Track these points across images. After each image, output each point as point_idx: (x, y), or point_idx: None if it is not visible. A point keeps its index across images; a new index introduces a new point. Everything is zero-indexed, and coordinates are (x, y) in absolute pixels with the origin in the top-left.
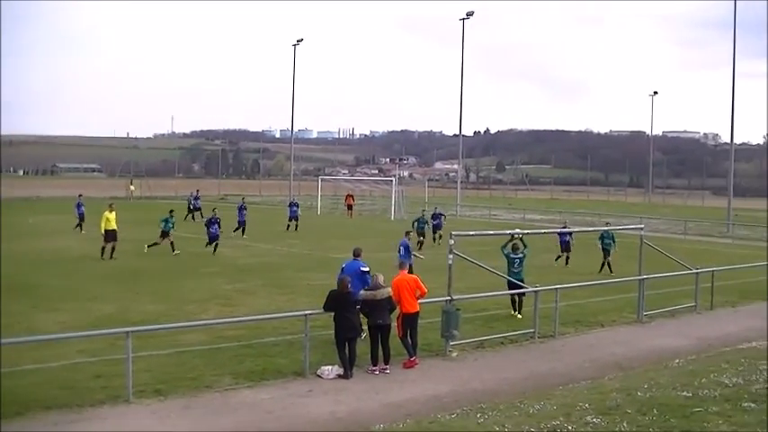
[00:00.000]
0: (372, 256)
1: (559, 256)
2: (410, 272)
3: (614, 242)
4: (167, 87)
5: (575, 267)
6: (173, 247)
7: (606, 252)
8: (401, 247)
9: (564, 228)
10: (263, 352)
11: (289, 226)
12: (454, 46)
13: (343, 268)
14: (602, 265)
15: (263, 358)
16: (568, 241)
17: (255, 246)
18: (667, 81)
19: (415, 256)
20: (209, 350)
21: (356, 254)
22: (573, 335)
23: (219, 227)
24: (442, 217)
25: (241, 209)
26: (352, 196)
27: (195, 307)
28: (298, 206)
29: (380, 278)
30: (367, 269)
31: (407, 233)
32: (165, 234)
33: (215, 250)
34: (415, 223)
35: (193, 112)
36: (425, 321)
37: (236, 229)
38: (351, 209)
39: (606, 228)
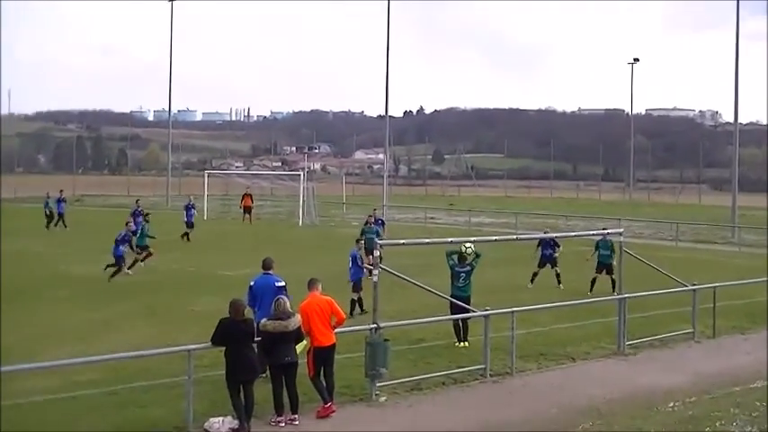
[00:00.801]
0: (279, 273)
1: (536, 274)
2: (358, 289)
3: (614, 253)
4: (2, 56)
5: (540, 283)
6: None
7: (606, 267)
8: (351, 259)
9: (546, 234)
10: (131, 400)
11: (186, 235)
12: (378, 5)
13: (251, 285)
14: (593, 282)
15: (133, 409)
16: (552, 254)
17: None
18: (651, 45)
19: (367, 269)
20: (62, 399)
21: (267, 266)
22: (535, 372)
23: (130, 246)
24: (382, 225)
25: (137, 214)
26: (250, 196)
27: (43, 343)
28: (195, 209)
29: (286, 303)
30: (283, 284)
31: (357, 241)
32: (141, 248)
33: (112, 275)
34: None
35: (38, 88)
36: (344, 357)
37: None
38: (249, 212)
39: (603, 231)
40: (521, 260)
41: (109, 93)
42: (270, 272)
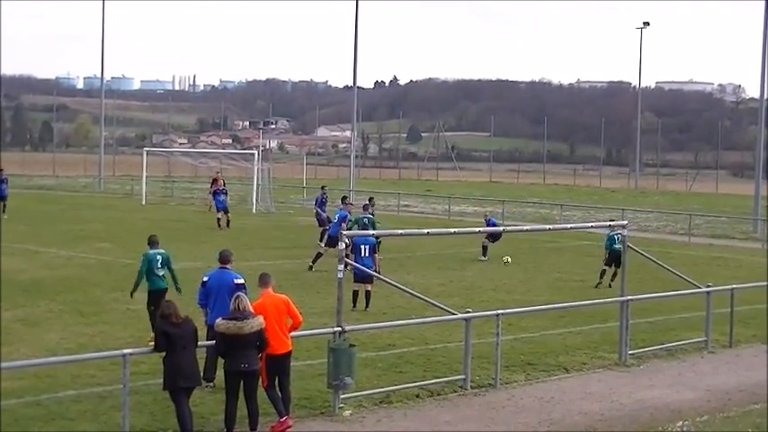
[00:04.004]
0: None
1: (604, 271)
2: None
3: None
4: None
5: (530, 283)
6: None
7: (616, 260)
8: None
9: (611, 223)
10: (58, 413)
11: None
12: None
13: (205, 281)
14: (602, 274)
15: (60, 422)
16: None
17: (47, 252)
18: (664, 7)
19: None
20: None
21: (224, 260)
22: (523, 384)
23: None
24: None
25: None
26: (222, 181)
27: None
28: (226, 195)
29: (247, 302)
30: (242, 281)
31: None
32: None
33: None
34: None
35: None
36: (303, 364)
37: None
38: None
39: (605, 223)
40: (508, 255)
41: (31, 56)
42: (227, 267)
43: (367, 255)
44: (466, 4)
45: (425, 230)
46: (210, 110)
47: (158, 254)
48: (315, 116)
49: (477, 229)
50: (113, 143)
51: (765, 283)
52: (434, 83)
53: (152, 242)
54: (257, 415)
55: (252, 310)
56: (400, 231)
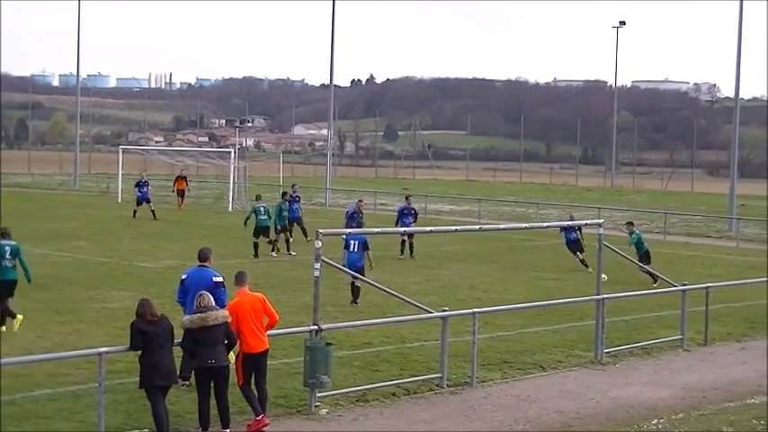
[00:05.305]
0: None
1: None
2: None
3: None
4: None
5: (507, 281)
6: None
7: (645, 255)
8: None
9: (587, 222)
10: (33, 411)
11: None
12: None
13: (183, 279)
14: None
15: (34, 421)
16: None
17: (23, 249)
18: (640, 6)
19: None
20: None
21: (203, 258)
22: (499, 382)
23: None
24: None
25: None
26: (184, 179)
27: None
28: (148, 186)
29: (210, 298)
30: (220, 279)
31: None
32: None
33: None
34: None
35: None
36: (280, 362)
37: None
38: (182, 196)
39: (581, 222)
40: (484, 254)
41: (5, 53)
42: (206, 264)
43: (355, 250)
44: (443, 3)
45: (402, 229)
46: (187, 108)
47: (8, 245)
48: (291, 114)
49: (454, 228)
50: (89, 141)
51: (743, 282)
52: (411, 81)
53: (2, 233)
54: (228, 412)
55: (213, 304)
56: (377, 230)
